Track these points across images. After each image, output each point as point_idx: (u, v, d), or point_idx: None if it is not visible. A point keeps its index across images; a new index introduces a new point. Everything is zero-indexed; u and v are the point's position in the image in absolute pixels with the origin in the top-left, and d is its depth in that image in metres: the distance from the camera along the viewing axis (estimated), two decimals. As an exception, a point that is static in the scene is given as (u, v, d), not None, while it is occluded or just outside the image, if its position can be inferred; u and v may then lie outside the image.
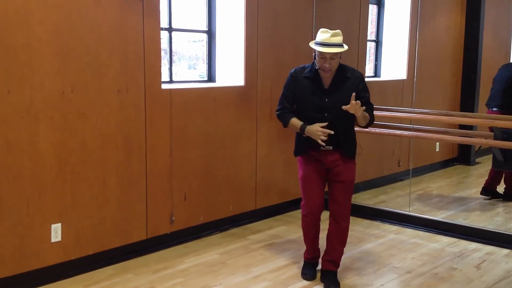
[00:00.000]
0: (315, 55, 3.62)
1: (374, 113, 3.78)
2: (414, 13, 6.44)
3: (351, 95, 3.52)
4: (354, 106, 3.48)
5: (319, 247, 4.00)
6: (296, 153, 3.85)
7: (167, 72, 4.68)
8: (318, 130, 3.58)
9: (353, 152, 3.78)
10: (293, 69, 3.80)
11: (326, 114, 3.63)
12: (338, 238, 3.82)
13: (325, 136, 3.56)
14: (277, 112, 3.82)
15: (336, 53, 3.54)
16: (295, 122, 3.71)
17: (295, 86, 3.73)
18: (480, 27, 7.04)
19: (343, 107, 3.51)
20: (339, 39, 3.55)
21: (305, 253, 4.03)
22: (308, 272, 3.95)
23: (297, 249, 4.42)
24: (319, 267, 3.93)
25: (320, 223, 3.91)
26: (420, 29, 6.18)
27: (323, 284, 3.79)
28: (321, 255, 3.93)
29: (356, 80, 3.67)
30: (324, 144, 3.59)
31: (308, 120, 3.66)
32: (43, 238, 3.70)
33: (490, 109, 5.68)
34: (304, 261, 4.03)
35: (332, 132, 3.57)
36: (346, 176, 3.75)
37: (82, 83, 3.80)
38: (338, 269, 3.87)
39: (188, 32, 4.94)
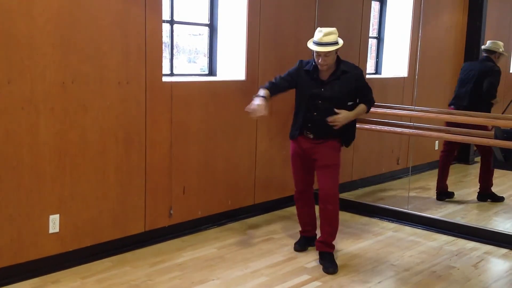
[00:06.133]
0: (313, 52, 3.90)
1: (375, 109, 3.87)
2: (416, 10, 6.42)
3: (347, 88, 3.91)
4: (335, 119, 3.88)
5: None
6: (289, 136, 4.20)
7: (168, 64, 4.67)
8: (254, 101, 3.89)
9: (333, 136, 4.00)
10: (301, 60, 4.10)
11: (320, 102, 3.93)
12: (325, 220, 4.04)
13: (252, 109, 3.86)
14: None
15: (330, 51, 3.80)
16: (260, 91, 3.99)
17: (298, 74, 4.04)
18: (482, 26, 7.03)
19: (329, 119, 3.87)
20: (332, 37, 3.80)
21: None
22: (297, 243, 4.37)
23: (295, 244, 4.43)
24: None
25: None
26: (422, 27, 6.16)
27: (321, 267, 4.00)
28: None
29: (354, 76, 3.96)
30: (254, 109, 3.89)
31: (304, 106, 3.99)
32: (41, 229, 3.69)
33: (455, 108, 5.56)
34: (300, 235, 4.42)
35: (260, 102, 3.88)
36: (326, 160, 4.00)
37: (82, 75, 3.78)
38: (334, 250, 4.08)
39: (190, 25, 4.92)
